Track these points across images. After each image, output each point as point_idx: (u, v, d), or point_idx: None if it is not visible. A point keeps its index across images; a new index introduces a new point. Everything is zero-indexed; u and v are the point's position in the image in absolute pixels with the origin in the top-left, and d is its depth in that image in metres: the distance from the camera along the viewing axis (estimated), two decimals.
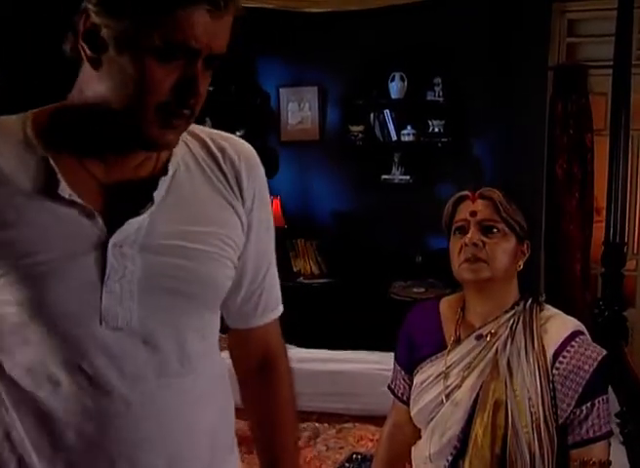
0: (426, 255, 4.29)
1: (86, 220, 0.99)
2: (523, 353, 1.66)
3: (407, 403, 1.85)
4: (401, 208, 4.50)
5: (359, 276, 4.56)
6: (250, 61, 4.75)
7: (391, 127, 4.48)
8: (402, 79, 4.45)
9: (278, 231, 4.74)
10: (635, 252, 4.38)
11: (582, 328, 1.71)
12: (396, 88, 4.46)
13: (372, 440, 2.64)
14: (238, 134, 4.70)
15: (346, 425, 2.79)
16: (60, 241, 0.97)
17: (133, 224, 1.00)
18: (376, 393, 2.29)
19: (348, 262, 4.64)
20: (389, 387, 1.92)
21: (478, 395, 1.66)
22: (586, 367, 1.60)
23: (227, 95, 4.55)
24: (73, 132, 1.02)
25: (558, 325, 1.70)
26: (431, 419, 1.73)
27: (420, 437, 1.81)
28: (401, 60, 4.48)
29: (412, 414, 1.81)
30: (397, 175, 4.55)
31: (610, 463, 1.60)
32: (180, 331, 1.07)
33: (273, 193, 4.65)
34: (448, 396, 1.70)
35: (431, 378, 1.76)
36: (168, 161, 1.07)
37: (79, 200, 0.98)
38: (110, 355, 1.01)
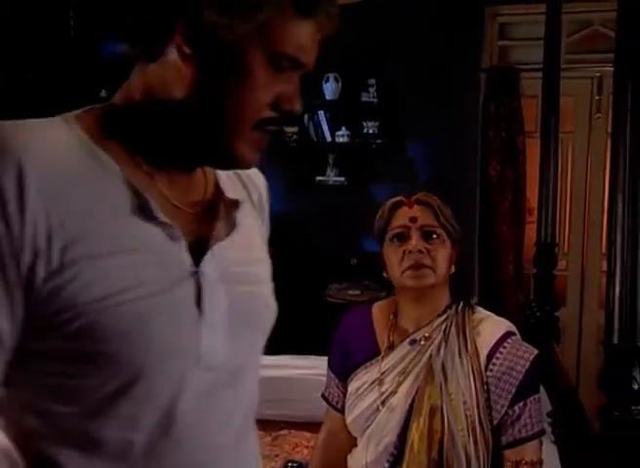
0: (362, 258, 4.28)
1: (173, 245, 0.85)
2: (457, 356, 1.66)
3: (341, 411, 1.83)
4: (336, 209, 4.48)
5: (293, 279, 4.51)
6: None
7: (326, 128, 4.46)
8: (336, 80, 4.43)
9: None
10: (566, 251, 4.46)
11: (514, 328, 1.72)
12: (330, 89, 4.44)
13: (307, 447, 2.60)
14: None
15: (282, 432, 2.74)
16: (156, 269, 0.83)
17: (215, 250, 0.89)
18: (311, 399, 2.25)
19: (282, 265, 4.55)
20: (323, 395, 1.89)
21: (414, 400, 1.65)
22: (519, 367, 1.61)
23: None
24: (139, 142, 0.88)
25: (490, 327, 1.71)
26: (367, 427, 1.71)
27: (355, 445, 1.78)
28: (335, 61, 4.45)
29: (347, 423, 1.78)
30: (332, 177, 4.53)
31: (542, 462, 1.62)
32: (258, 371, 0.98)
33: None
34: (383, 402, 1.68)
35: (366, 385, 1.74)
36: (216, 181, 0.96)
37: (169, 221, 0.85)
38: (201, 398, 0.87)
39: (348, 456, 1.82)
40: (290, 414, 2.81)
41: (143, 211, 0.83)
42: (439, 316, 1.72)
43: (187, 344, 0.85)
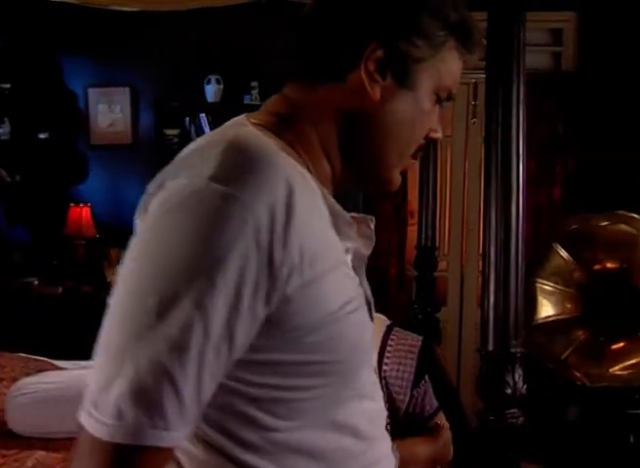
0: None
1: (346, 257, 0.88)
2: None
3: None
4: None
5: None
6: (55, 59, 4.46)
7: (207, 131, 4.36)
8: (218, 82, 4.36)
9: (89, 241, 4.49)
10: (446, 253, 4.58)
11: (389, 320, 1.82)
12: (212, 91, 4.36)
13: None
14: (42, 136, 4.38)
15: None
16: (351, 281, 0.86)
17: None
18: None
19: None
20: None
21: None
22: (411, 355, 1.72)
23: (29, 94, 4.22)
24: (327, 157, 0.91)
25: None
26: None
27: None
28: (217, 63, 4.39)
29: None
30: None
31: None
32: None
33: (83, 200, 4.40)
34: None
35: None
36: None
37: (354, 235, 0.89)
38: (373, 402, 0.93)
39: None
40: None
41: (336, 226, 0.85)
42: None
43: (368, 351, 0.91)
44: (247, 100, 4.35)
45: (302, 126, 0.89)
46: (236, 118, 0.91)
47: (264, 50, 4.33)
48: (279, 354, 0.78)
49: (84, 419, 0.72)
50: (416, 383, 1.71)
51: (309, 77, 0.90)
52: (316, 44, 0.89)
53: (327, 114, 0.89)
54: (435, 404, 1.74)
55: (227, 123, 0.90)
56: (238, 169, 0.75)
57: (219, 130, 0.88)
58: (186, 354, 0.71)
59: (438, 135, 0.94)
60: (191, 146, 0.86)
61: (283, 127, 0.88)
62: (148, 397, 0.70)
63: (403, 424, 1.68)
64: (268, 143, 0.82)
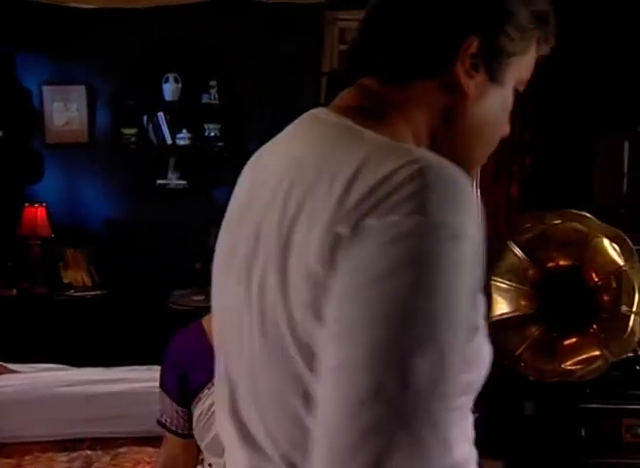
0: (206, 262, 4.20)
1: None
2: None
3: (182, 435, 1.78)
4: (178, 213, 4.38)
5: (136, 286, 4.37)
6: (8, 56, 4.37)
7: (165, 130, 4.34)
8: (176, 80, 4.33)
9: (45, 241, 4.42)
10: None
11: None
12: (170, 89, 4.33)
13: (149, 462, 2.51)
14: None
15: (122, 450, 2.63)
16: None
17: None
18: (153, 412, 2.17)
19: (124, 272, 4.43)
20: (160, 422, 1.82)
21: None
22: None
23: None
24: None
25: None
26: None
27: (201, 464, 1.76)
28: (175, 61, 4.36)
29: (204, 445, 1.73)
30: (173, 180, 4.42)
31: None
32: None
33: (38, 200, 4.33)
34: None
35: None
36: None
37: None
38: None
39: None
40: (130, 430, 2.71)
41: None
42: None
43: None
44: (205, 99, 4.34)
45: (397, 123, 0.84)
46: (317, 114, 0.86)
47: (223, 49, 4.32)
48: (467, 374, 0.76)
49: None
50: None
51: (400, 73, 0.84)
52: (410, 39, 0.83)
53: (420, 110, 0.84)
54: None
55: (318, 122, 0.85)
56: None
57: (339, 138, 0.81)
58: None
59: (508, 131, 0.93)
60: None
61: (376, 124, 0.81)
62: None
63: None
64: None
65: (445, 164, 0.71)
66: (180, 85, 4.34)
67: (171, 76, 4.32)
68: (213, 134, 4.33)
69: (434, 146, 0.83)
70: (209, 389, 1.72)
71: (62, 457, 2.56)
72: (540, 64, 0.91)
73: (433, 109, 0.84)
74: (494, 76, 0.84)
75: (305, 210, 0.73)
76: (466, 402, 0.81)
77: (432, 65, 0.83)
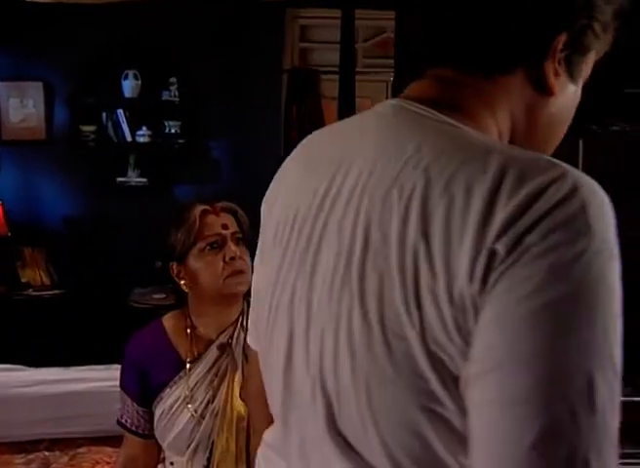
0: (167, 260, 4.17)
1: None
2: None
3: (144, 435, 1.78)
4: (138, 211, 4.34)
5: (95, 285, 4.33)
6: None
7: (125, 127, 4.30)
8: (136, 77, 4.30)
9: (1, 239, 4.34)
10: None
11: None
12: (130, 86, 4.29)
13: (109, 462, 2.49)
14: None
15: (80, 450, 2.60)
16: None
17: None
18: (112, 412, 2.15)
19: (83, 271, 4.38)
20: (120, 423, 1.81)
21: (229, 400, 1.68)
22: None
23: None
24: None
25: None
26: (193, 440, 1.69)
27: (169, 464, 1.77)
28: (135, 58, 4.32)
29: (166, 444, 1.74)
30: (133, 178, 4.39)
31: None
32: None
33: None
34: (204, 411, 1.68)
35: (179, 402, 1.71)
36: None
37: None
38: None
39: None
40: (88, 430, 2.68)
41: None
42: (240, 315, 1.76)
43: None
44: (165, 96, 4.31)
45: (485, 119, 0.81)
46: (403, 105, 0.81)
47: (184, 45, 4.29)
48: None
49: None
50: None
51: (489, 66, 0.80)
52: (503, 32, 0.79)
53: (504, 105, 0.81)
54: None
55: (394, 114, 0.80)
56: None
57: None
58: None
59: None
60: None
61: (464, 119, 0.78)
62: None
63: None
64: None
65: (587, 177, 0.66)
66: (139, 82, 4.30)
67: (130, 73, 4.29)
68: (173, 131, 4.31)
69: (513, 142, 0.82)
70: (170, 388, 1.73)
71: (19, 459, 2.53)
72: None
73: (516, 105, 0.82)
74: (572, 73, 0.82)
75: (436, 222, 0.67)
76: None
77: (523, 60, 0.79)
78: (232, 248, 1.71)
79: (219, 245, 1.71)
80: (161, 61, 4.33)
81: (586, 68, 0.84)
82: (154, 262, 4.65)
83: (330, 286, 0.75)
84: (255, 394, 1.04)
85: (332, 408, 0.77)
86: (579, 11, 0.78)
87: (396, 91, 1.48)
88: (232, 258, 1.70)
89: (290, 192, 0.87)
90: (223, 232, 1.72)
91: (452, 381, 0.66)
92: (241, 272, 1.71)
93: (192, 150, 4.35)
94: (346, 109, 3.07)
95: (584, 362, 0.60)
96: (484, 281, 0.63)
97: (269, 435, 0.94)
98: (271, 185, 0.93)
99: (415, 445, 0.70)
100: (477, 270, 0.63)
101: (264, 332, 0.87)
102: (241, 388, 1.69)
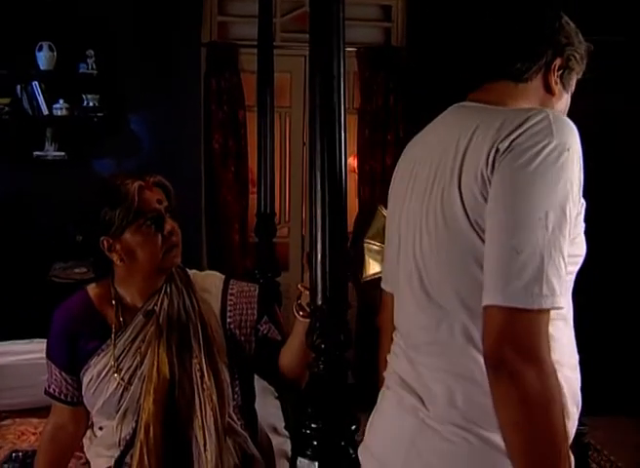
0: (88, 235, 4.14)
1: None
2: (183, 314, 1.77)
3: (72, 402, 1.82)
4: (57, 185, 4.28)
5: (14, 259, 4.26)
6: None
7: (41, 100, 4.20)
8: (51, 49, 4.20)
9: None
10: (287, 220, 4.73)
11: (223, 275, 1.92)
12: (45, 58, 4.19)
13: (34, 433, 2.51)
14: None
15: (5, 422, 2.62)
16: None
17: None
18: (36, 384, 2.18)
19: (1, 245, 4.30)
20: (47, 393, 1.85)
21: (155, 364, 1.73)
22: (251, 296, 1.86)
23: None
24: None
25: (210, 280, 1.88)
26: (121, 405, 1.74)
27: (98, 429, 1.81)
28: (49, 29, 4.22)
29: (95, 410, 1.79)
30: (51, 152, 4.30)
31: None
32: None
33: None
34: (132, 377, 1.74)
35: (107, 368, 1.75)
36: None
37: None
38: None
39: (88, 443, 1.83)
40: (13, 403, 2.69)
41: None
42: (164, 283, 1.81)
43: None
44: (83, 69, 4.23)
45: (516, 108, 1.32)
46: (464, 104, 1.40)
47: (100, 18, 4.23)
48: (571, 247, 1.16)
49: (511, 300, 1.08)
50: (260, 317, 1.86)
51: (525, 76, 1.36)
52: (526, 61, 1.36)
53: (529, 101, 1.36)
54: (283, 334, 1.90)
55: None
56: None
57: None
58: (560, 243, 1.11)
59: None
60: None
61: (502, 107, 1.32)
62: (547, 277, 1.08)
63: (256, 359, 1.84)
64: None
65: (560, 113, 1.23)
66: (55, 53, 4.21)
67: (45, 44, 4.19)
68: (91, 104, 4.24)
69: None
70: (98, 356, 1.77)
71: None
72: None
73: (534, 101, 1.37)
74: (565, 85, 1.40)
75: (472, 143, 1.21)
76: (572, 270, 1.23)
77: (537, 74, 1.38)
78: (169, 222, 1.77)
79: (155, 220, 1.76)
80: (77, 33, 4.24)
81: (572, 83, 1.42)
82: (75, 237, 4.62)
83: (418, 200, 1.33)
84: (387, 320, 1.55)
85: (419, 269, 1.31)
86: (566, 46, 1.38)
87: (312, 65, 1.56)
88: (170, 233, 1.76)
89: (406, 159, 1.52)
90: (158, 207, 1.76)
91: (483, 234, 1.17)
92: (177, 245, 1.78)
93: (111, 124, 4.31)
94: (265, 83, 3.11)
95: (544, 203, 1.11)
96: (493, 165, 1.16)
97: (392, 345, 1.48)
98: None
99: (472, 285, 1.18)
100: (489, 159, 1.17)
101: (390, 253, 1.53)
102: (167, 352, 1.75)
